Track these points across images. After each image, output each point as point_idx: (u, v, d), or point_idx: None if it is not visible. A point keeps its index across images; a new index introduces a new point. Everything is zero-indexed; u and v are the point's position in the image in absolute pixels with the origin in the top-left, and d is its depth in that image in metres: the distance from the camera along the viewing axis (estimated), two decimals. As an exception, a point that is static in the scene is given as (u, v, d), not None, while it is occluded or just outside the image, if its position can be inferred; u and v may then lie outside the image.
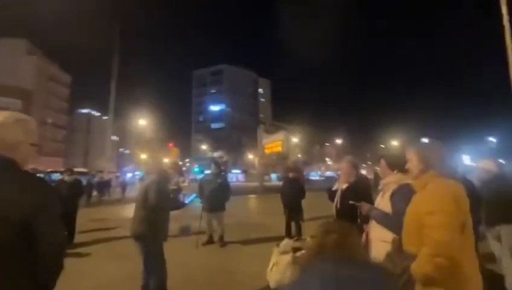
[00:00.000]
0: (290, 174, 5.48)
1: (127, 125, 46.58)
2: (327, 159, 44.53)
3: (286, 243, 2.16)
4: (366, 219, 1.89)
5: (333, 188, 2.58)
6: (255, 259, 3.78)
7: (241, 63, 63.44)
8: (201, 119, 56.37)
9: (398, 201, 1.64)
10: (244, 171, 42.58)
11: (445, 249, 1.10)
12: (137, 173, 35.41)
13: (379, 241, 1.68)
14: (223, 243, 4.76)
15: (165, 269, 2.51)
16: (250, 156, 41.25)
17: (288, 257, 1.98)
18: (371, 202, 1.98)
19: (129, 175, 32.94)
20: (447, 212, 1.17)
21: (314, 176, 40.41)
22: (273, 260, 2.09)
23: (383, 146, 43.37)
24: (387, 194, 1.75)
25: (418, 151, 1.43)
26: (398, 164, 1.79)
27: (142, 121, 31.53)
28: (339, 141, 44.02)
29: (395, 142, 41.72)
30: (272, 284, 1.97)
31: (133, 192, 9.96)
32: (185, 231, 5.32)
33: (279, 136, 20.28)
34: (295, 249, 2.04)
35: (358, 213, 1.99)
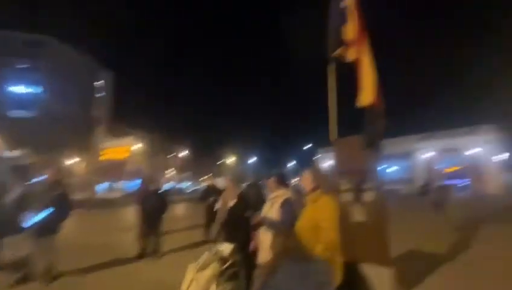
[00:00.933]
0: (152, 186, 5.25)
1: None
2: (169, 170, 45.59)
3: (206, 257, 2.13)
4: (258, 227, 2.35)
5: (215, 208, 3.08)
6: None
7: (80, 45, 48.62)
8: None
9: (285, 212, 2.26)
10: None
11: (334, 244, 1.85)
12: None
13: (269, 242, 2.26)
14: (50, 277, 3.70)
15: None
16: (73, 160, 34.05)
17: (209, 271, 1.97)
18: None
19: None
20: (335, 219, 1.90)
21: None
22: (189, 277, 2.02)
23: (224, 161, 50.27)
24: (276, 205, 2.34)
25: (312, 174, 2.16)
26: (284, 182, 2.51)
27: None
28: (183, 153, 45.62)
29: (233, 158, 49.46)
30: None
31: None
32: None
33: (127, 141, 19.30)
34: (223, 261, 2.10)
35: (251, 222, 2.43)
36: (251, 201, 3.01)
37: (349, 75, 3.31)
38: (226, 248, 2.33)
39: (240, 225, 2.56)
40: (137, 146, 34.61)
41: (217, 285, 1.96)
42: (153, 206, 4.95)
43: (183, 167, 47.94)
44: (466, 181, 28.98)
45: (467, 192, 24.51)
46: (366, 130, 2.71)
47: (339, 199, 2.84)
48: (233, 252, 2.27)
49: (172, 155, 46.02)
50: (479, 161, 28.47)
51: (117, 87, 51.75)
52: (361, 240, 2.61)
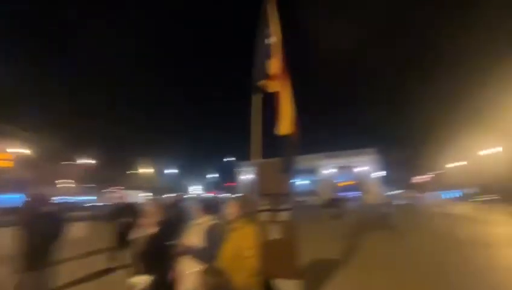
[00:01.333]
0: (41, 201, 4.16)
1: None
2: (65, 180, 38.30)
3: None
4: (180, 255, 2.26)
5: (130, 234, 2.70)
6: None
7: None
8: None
9: (209, 238, 2.22)
10: None
11: (257, 270, 1.92)
12: None
13: (191, 271, 2.16)
14: None
15: None
16: None
17: None
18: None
19: None
20: (258, 247, 1.97)
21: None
22: None
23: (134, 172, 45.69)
24: (200, 231, 2.29)
25: (239, 202, 2.24)
26: (209, 209, 2.50)
27: None
28: (86, 160, 39.82)
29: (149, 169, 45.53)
30: None
31: None
32: None
33: (10, 145, 15.42)
34: None
35: (172, 251, 2.30)
36: (173, 226, 2.72)
37: (270, 104, 3.73)
38: (142, 280, 2.20)
39: (161, 255, 2.36)
40: (24, 151, 27.97)
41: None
42: (43, 230, 3.91)
43: (85, 178, 41.27)
44: (357, 193, 35.18)
45: (358, 202, 29.45)
46: (283, 156, 3.09)
47: (259, 218, 3.10)
48: (152, 286, 2.17)
49: (70, 163, 39.26)
50: (365, 176, 35.39)
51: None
52: (275, 257, 2.89)
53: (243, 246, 2.04)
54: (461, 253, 6.09)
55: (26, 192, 5.15)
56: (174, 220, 3.29)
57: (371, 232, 9.47)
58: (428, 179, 58.04)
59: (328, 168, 38.71)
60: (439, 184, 47.35)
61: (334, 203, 26.89)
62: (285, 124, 3.29)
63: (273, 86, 3.85)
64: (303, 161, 38.94)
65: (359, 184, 36.40)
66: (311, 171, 39.66)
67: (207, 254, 2.15)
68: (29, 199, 4.59)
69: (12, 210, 17.75)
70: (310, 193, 38.62)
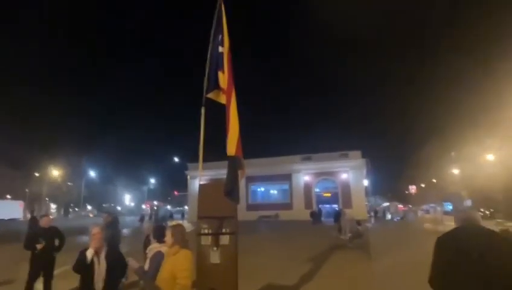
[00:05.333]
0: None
1: None
2: None
3: None
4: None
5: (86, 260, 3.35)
6: None
7: None
8: None
9: (152, 263, 3.44)
10: None
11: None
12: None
13: None
14: None
15: None
16: None
17: None
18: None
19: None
20: (191, 270, 2.91)
21: None
22: None
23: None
24: (149, 256, 3.61)
25: (171, 231, 3.10)
26: (158, 236, 3.68)
27: None
28: None
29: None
30: None
31: None
32: None
33: None
34: None
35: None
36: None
37: (222, 117, 4.52)
38: None
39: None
40: None
41: None
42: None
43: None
44: (336, 207, 37.39)
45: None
46: (226, 178, 3.88)
47: (198, 242, 3.88)
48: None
49: None
50: (348, 185, 37.79)
51: None
52: (214, 280, 3.71)
53: (175, 270, 2.88)
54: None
55: None
56: (108, 236, 4.24)
57: (340, 252, 10.77)
58: (424, 188, 63.67)
59: (305, 174, 40.44)
60: (437, 194, 52.12)
61: (316, 219, 28.62)
62: (231, 145, 4.08)
63: (223, 99, 4.64)
64: (273, 165, 40.45)
65: (340, 194, 38.66)
66: (283, 178, 41.19)
67: (148, 278, 3.17)
68: None
69: None
70: (283, 205, 40.21)
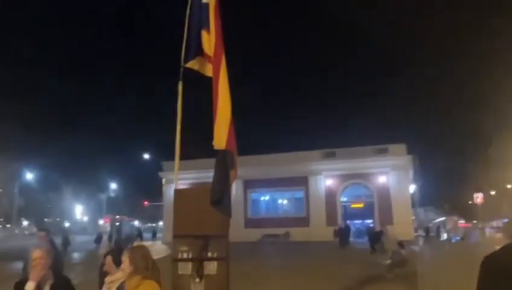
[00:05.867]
0: None
1: None
2: None
3: None
4: None
5: None
6: None
7: None
8: None
9: None
10: None
11: None
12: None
13: None
14: None
15: None
16: None
17: None
18: None
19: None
20: None
21: None
22: None
23: None
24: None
25: (129, 254, 3.00)
26: (119, 262, 3.32)
27: None
28: None
29: None
30: None
31: None
32: None
33: None
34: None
35: None
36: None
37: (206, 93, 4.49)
38: None
39: None
40: None
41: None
42: None
43: None
44: (371, 223, 37.10)
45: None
46: (213, 181, 3.86)
47: (175, 271, 3.87)
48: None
49: None
50: (388, 193, 37.38)
51: None
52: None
53: None
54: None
55: None
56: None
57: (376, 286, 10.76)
58: (495, 196, 63.07)
59: (327, 177, 39.99)
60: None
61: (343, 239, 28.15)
62: (220, 133, 4.03)
63: (208, 70, 4.59)
64: (282, 164, 40.12)
65: (375, 205, 38.33)
66: (296, 183, 40.91)
67: None
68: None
69: None
70: (296, 220, 39.91)
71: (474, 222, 61.89)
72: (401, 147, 38.74)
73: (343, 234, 30.02)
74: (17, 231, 60.49)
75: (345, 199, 40.66)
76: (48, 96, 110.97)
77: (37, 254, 3.37)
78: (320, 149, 41.42)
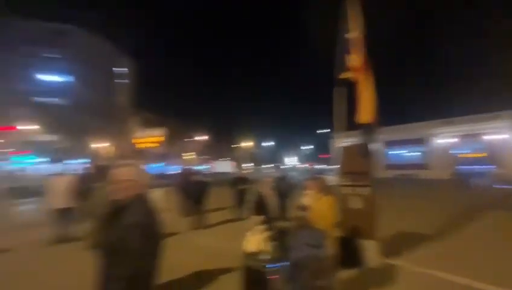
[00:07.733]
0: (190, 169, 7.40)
1: None
2: (188, 153, 47.43)
3: (256, 228, 2.96)
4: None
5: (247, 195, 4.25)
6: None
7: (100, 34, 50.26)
8: (22, 87, 39.23)
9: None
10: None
11: (334, 225, 3.18)
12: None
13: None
14: None
15: None
16: (97, 145, 36.14)
17: (259, 236, 2.81)
18: None
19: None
20: (334, 208, 3.23)
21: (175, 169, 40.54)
22: (247, 238, 2.88)
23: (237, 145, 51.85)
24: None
25: (315, 182, 3.30)
26: (326, 186, 3.45)
27: None
28: (202, 137, 46.23)
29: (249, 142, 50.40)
30: (250, 250, 2.78)
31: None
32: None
33: (159, 131, 20.35)
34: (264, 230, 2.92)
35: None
36: (282, 191, 4.55)
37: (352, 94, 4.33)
38: (259, 219, 3.11)
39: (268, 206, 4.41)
40: (162, 133, 36.47)
41: (267, 242, 2.78)
42: (197, 187, 6.34)
43: (202, 151, 49.76)
44: (489, 167, 28.07)
45: (490, 178, 22.76)
46: (361, 141, 3.79)
47: (341, 192, 4.01)
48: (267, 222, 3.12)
49: (190, 139, 47.65)
50: (501, 147, 27.85)
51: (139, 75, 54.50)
52: (356, 222, 3.78)
53: (323, 209, 3.02)
54: None
55: (166, 162, 8.29)
56: (283, 186, 5.56)
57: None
58: None
59: (446, 137, 32.35)
60: None
61: (461, 178, 22.56)
62: (365, 113, 3.90)
63: (354, 78, 4.39)
64: (411, 130, 34.43)
65: (491, 156, 29.13)
66: (421, 142, 34.51)
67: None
68: (182, 171, 7.30)
69: (161, 176, 24.64)
70: (420, 165, 34.07)
71: None
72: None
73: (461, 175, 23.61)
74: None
75: (461, 151, 31.88)
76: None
77: (266, 180, 4.96)
78: (439, 119, 33.49)
